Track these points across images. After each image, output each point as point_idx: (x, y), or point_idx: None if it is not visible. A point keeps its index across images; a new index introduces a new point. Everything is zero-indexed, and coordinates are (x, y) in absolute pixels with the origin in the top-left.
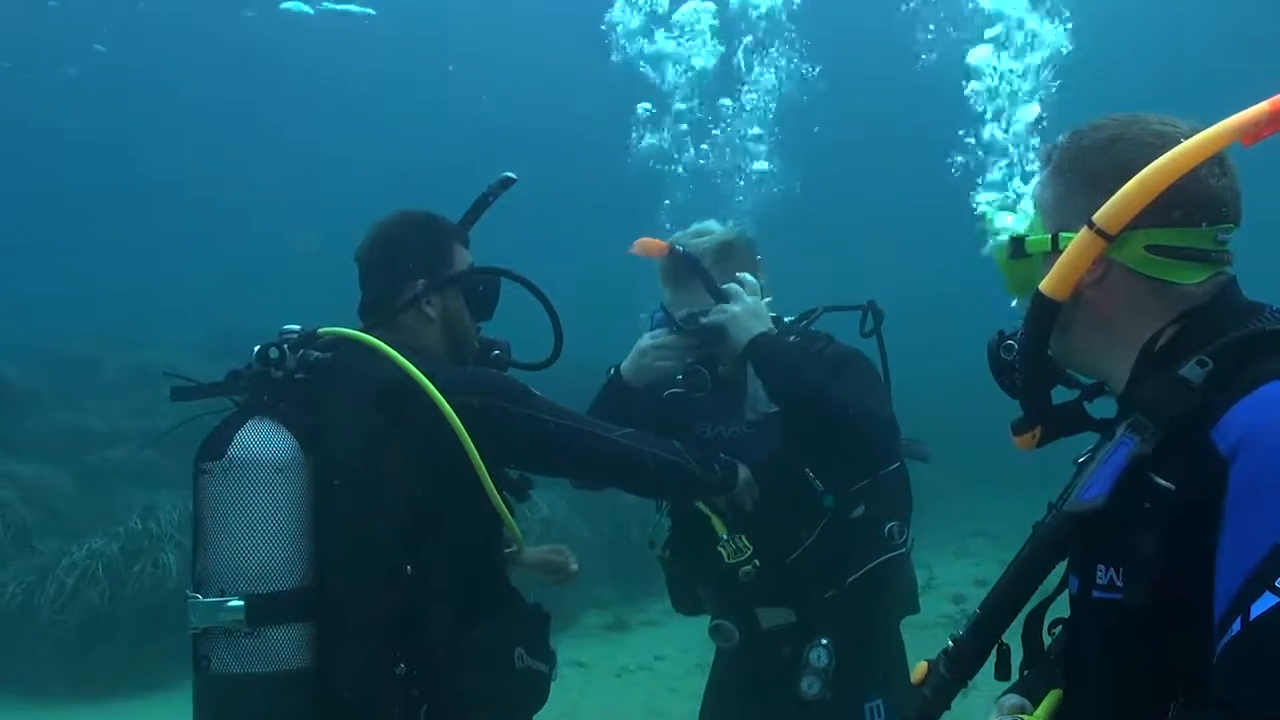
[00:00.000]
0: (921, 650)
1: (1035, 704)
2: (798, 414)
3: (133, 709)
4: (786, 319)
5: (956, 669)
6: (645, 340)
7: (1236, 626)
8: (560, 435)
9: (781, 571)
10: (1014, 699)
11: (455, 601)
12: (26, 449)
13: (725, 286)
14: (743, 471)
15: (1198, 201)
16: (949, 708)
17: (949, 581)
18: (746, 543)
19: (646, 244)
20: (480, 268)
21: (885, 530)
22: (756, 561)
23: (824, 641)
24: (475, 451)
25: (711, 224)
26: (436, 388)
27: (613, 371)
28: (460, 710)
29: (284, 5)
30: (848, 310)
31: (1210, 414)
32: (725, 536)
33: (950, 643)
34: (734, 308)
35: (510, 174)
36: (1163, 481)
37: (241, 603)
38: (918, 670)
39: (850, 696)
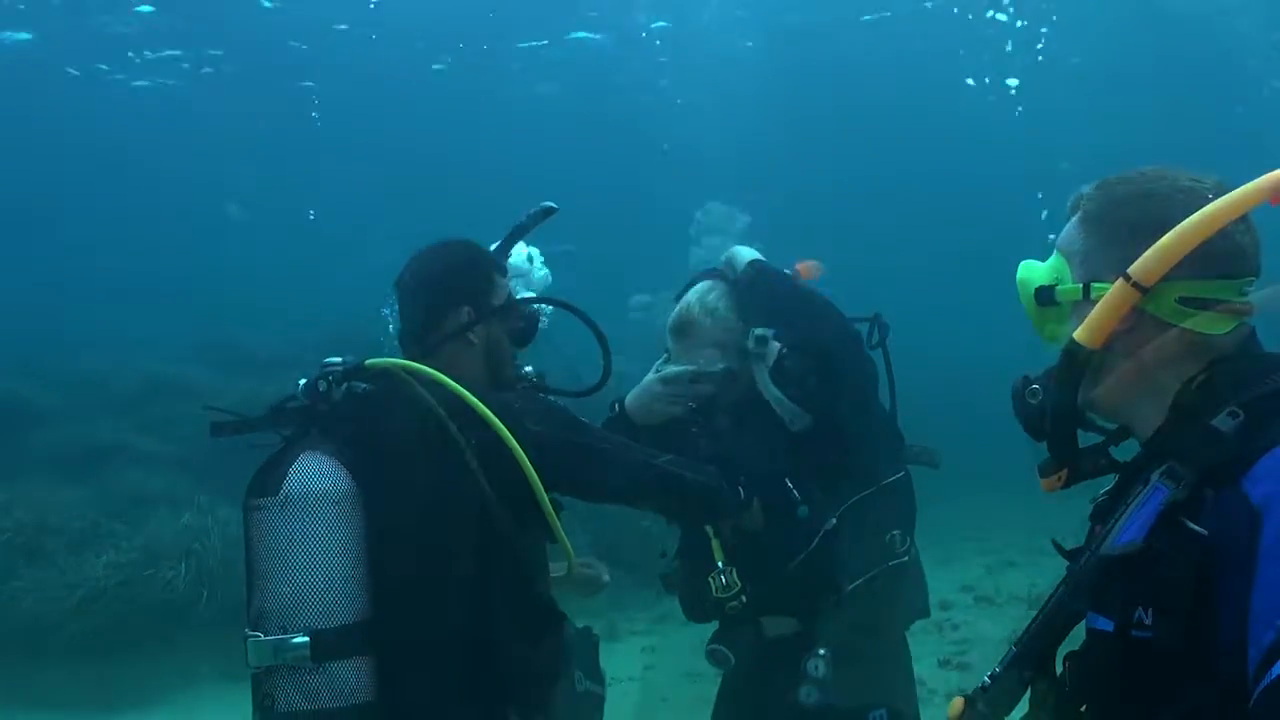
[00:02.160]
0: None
1: None
2: (784, 315)
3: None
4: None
5: (994, 703)
6: (655, 380)
7: (1277, 671)
8: (609, 461)
9: (779, 580)
10: None
11: (519, 626)
12: (36, 463)
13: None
14: (756, 503)
15: (1226, 256)
16: None
17: (935, 588)
18: (736, 578)
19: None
20: (525, 298)
21: (886, 538)
22: (744, 597)
23: (821, 652)
24: (535, 475)
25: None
26: (497, 412)
27: (617, 408)
28: None
29: None
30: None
31: (1241, 463)
32: (720, 566)
33: (987, 679)
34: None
35: (551, 204)
36: (1196, 527)
37: (306, 639)
38: (954, 706)
39: (852, 707)
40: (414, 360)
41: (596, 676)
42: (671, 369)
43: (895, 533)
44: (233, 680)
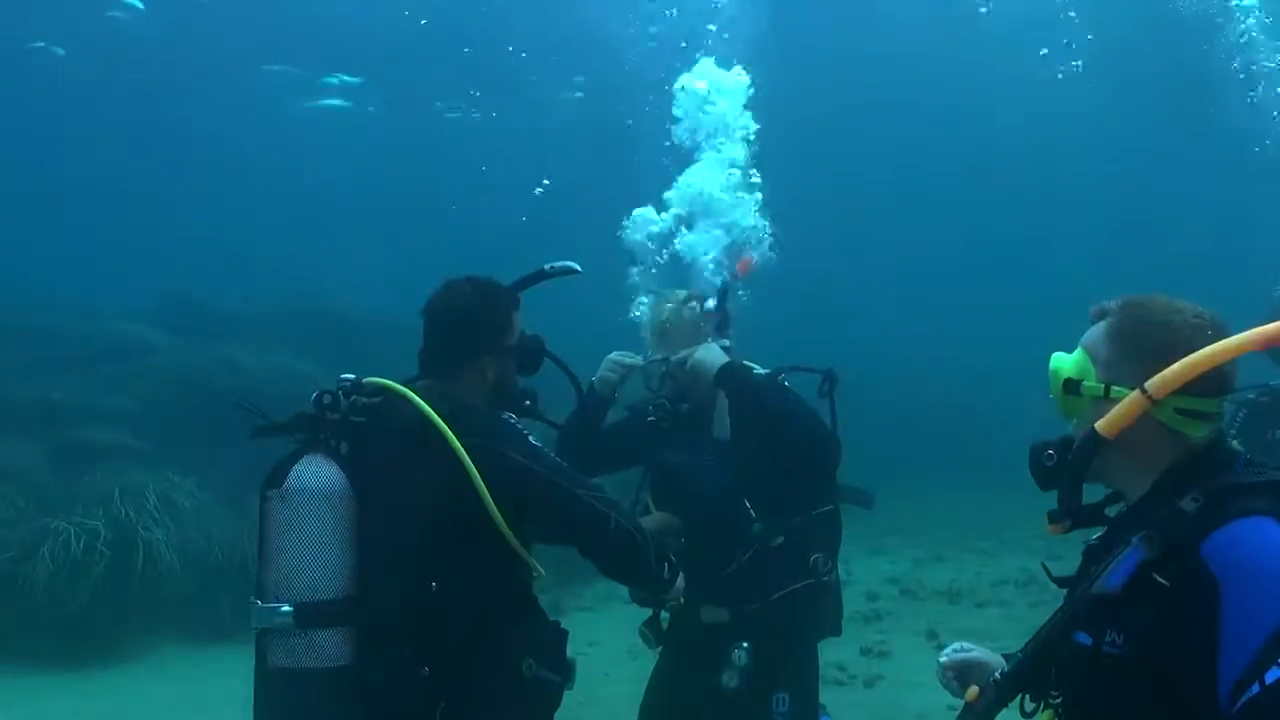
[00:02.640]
0: (832, 645)
1: None
2: (756, 420)
3: (111, 678)
4: (759, 370)
5: (1002, 695)
6: (611, 355)
7: (1255, 689)
8: (540, 484)
9: (719, 581)
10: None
11: (473, 615)
12: None
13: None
14: (680, 582)
15: (1217, 380)
16: None
17: (863, 579)
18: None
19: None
20: (530, 343)
21: (811, 560)
22: (681, 599)
23: (745, 645)
24: (483, 485)
25: (678, 292)
26: (458, 430)
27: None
28: (471, 710)
29: None
30: (808, 372)
31: (1199, 536)
32: None
33: (997, 675)
34: (699, 352)
35: (577, 267)
36: (1160, 579)
37: (291, 608)
38: (970, 692)
39: (762, 688)
40: (426, 380)
41: (555, 666)
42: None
43: (819, 556)
44: (193, 643)
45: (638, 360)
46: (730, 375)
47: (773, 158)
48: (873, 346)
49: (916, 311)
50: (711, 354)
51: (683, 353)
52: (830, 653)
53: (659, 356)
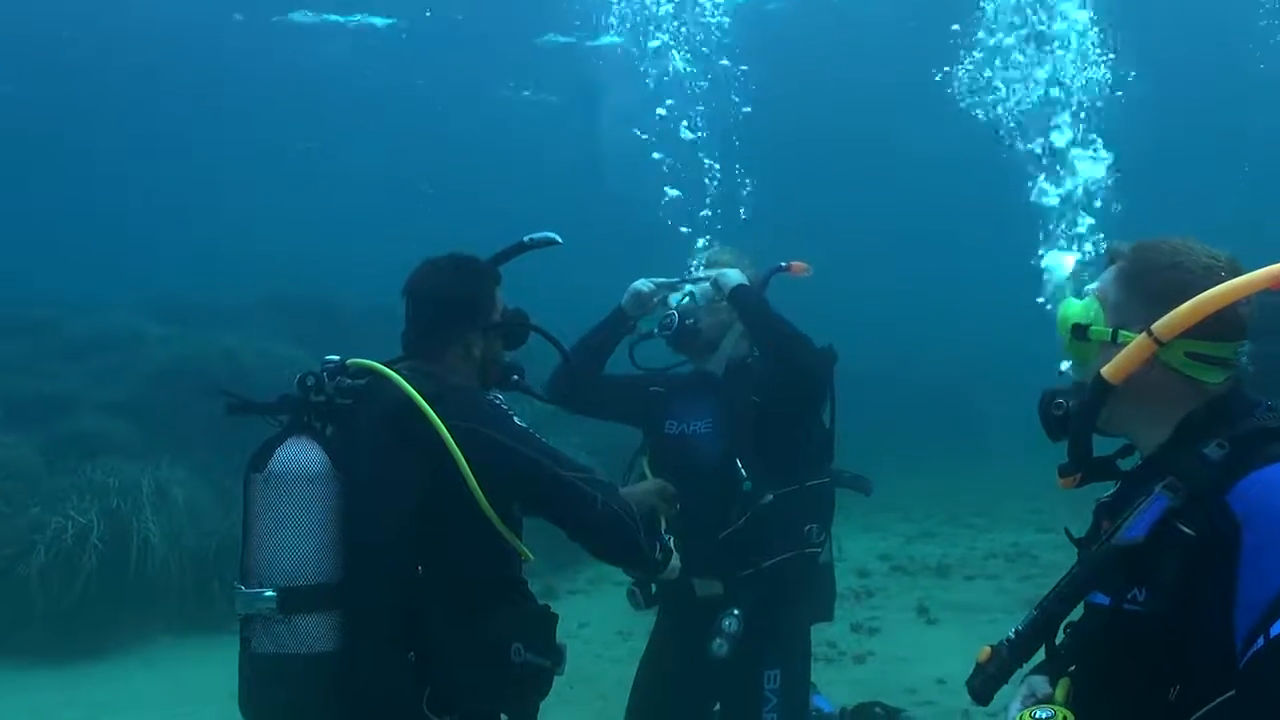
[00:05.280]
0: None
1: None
2: (765, 339)
3: (104, 670)
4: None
5: (1016, 654)
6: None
7: (1260, 641)
8: (526, 466)
9: (713, 548)
10: (1043, 687)
11: (458, 599)
12: None
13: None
14: (674, 561)
15: (1229, 323)
16: (1006, 682)
17: (854, 556)
18: (673, 545)
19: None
20: (516, 318)
21: (805, 530)
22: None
23: (736, 612)
24: (468, 468)
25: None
26: (442, 412)
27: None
28: (457, 695)
29: None
30: None
31: (1225, 483)
32: (661, 532)
33: (1012, 633)
34: (726, 271)
35: (556, 236)
36: (1186, 529)
37: (274, 593)
38: (982, 653)
39: (753, 663)
40: (409, 360)
41: (544, 651)
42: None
43: (813, 526)
44: (185, 634)
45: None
46: (745, 292)
47: (773, 146)
48: (863, 325)
49: (905, 290)
50: (734, 274)
51: (709, 271)
52: (820, 630)
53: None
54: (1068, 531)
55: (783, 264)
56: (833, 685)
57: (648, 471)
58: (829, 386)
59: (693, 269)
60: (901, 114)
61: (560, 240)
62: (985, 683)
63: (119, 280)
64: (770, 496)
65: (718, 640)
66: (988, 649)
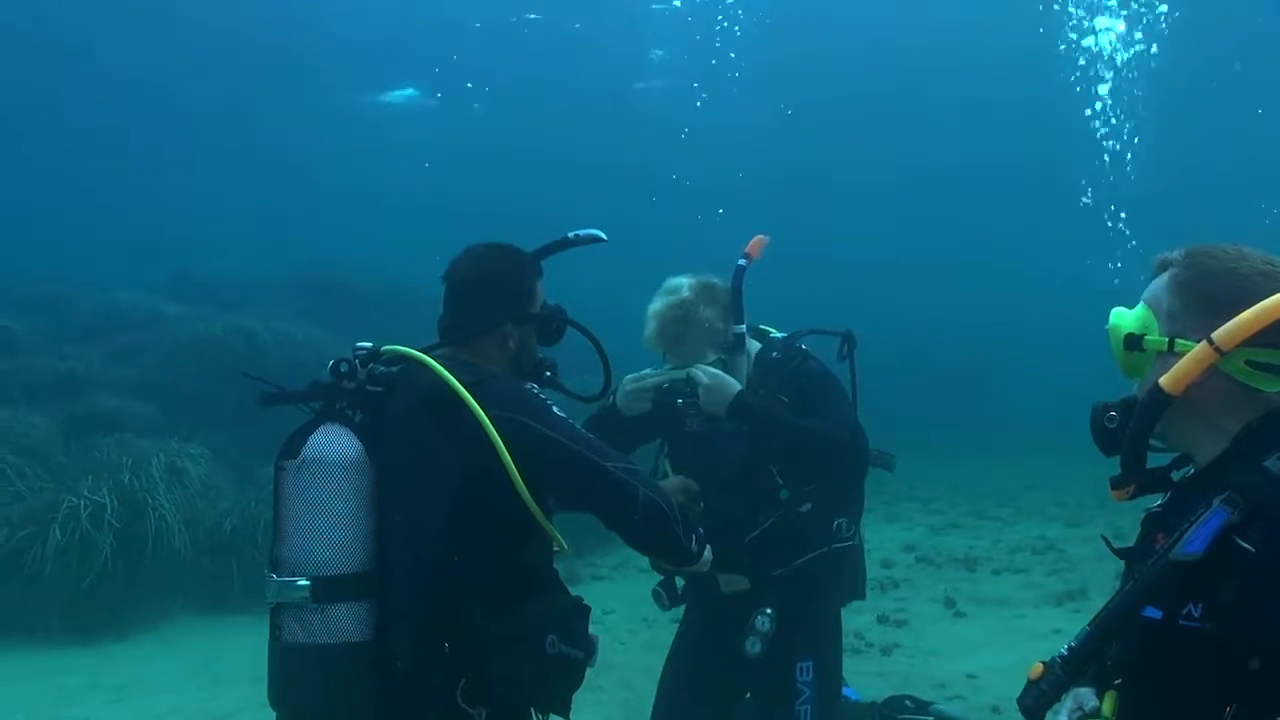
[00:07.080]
0: (849, 613)
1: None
2: (778, 447)
3: (123, 650)
4: (776, 335)
5: (1070, 670)
6: (627, 381)
7: None
8: (565, 455)
9: (741, 547)
10: (1090, 699)
11: (493, 590)
12: (5, 392)
13: (690, 371)
14: (707, 553)
15: None
16: (1059, 700)
17: (878, 546)
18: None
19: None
20: (554, 312)
21: (835, 525)
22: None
23: (768, 610)
24: (509, 458)
25: (680, 279)
26: (481, 400)
27: (611, 399)
28: (492, 687)
29: None
30: (826, 334)
31: None
32: None
33: (1066, 649)
34: (704, 380)
35: (603, 235)
36: (1245, 544)
37: (308, 583)
38: (1034, 669)
39: (785, 656)
40: (445, 346)
41: (578, 643)
42: (649, 375)
43: (843, 520)
44: (203, 614)
45: (649, 379)
46: (744, 409)
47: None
48: (887, 315)
49: (931, 280)
50: (720, 390)
51: (693, 372)
52: (847, 621)
53: (673, 371)
54: (1106, 540)
55: (742, 261)
56: (860, 677)
57: (669, 470)
58: (863, 462)
59: (650, 342)
60: None
61: (605, 238)
62: (1038, 700)
63: (139, 257)
64: (809, 506)
65: (751, 639)
66: (1040, 665)
